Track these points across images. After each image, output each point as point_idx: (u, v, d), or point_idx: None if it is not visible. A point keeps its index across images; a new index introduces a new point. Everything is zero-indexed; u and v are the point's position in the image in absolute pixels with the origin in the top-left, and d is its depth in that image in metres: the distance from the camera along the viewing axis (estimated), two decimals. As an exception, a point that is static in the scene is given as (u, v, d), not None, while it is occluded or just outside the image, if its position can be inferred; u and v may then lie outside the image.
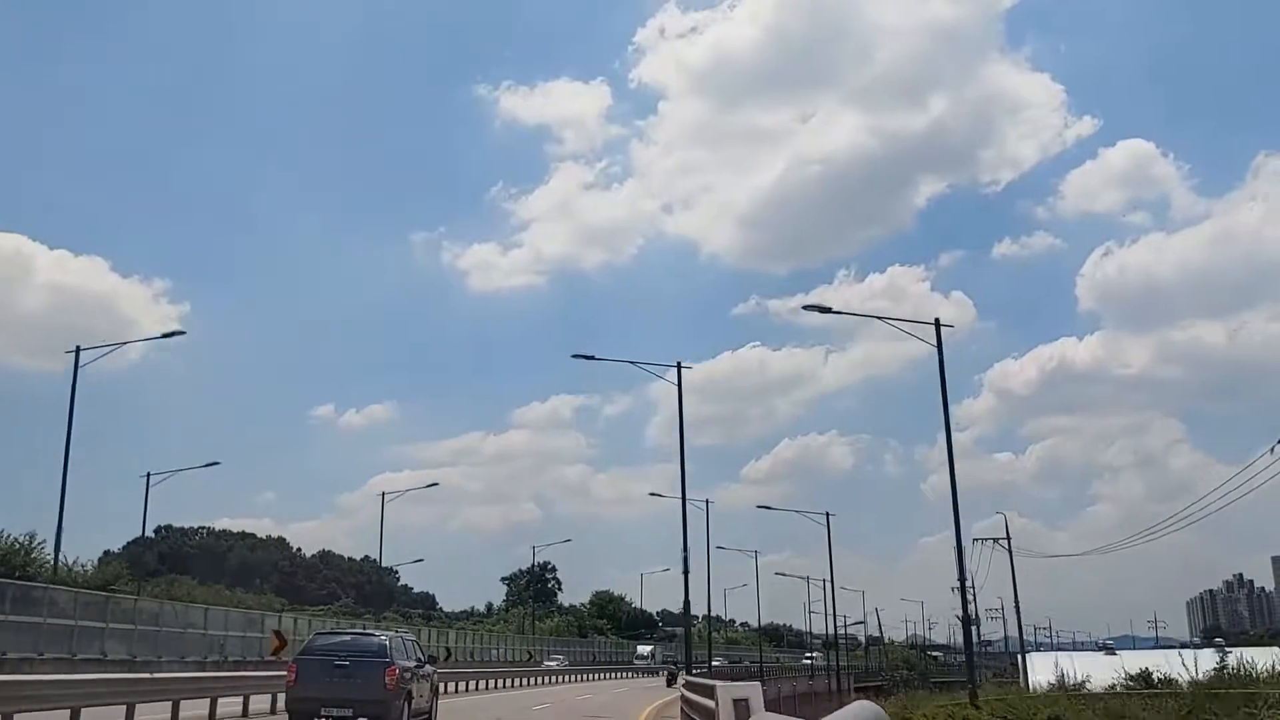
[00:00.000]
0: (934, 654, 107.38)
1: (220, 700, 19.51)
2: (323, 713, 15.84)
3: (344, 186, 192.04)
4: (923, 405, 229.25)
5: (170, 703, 17.68)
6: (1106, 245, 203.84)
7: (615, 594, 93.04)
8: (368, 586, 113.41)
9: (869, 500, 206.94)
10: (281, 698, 18.20)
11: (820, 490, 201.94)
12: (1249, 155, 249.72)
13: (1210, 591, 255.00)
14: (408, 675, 16.66)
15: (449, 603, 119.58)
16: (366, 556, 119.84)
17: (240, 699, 21.01)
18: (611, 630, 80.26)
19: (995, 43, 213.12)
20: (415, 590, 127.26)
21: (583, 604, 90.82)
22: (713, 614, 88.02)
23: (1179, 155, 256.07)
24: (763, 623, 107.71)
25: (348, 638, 17.53)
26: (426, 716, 18.05)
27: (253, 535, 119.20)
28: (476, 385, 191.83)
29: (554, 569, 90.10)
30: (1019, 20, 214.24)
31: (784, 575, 76.68)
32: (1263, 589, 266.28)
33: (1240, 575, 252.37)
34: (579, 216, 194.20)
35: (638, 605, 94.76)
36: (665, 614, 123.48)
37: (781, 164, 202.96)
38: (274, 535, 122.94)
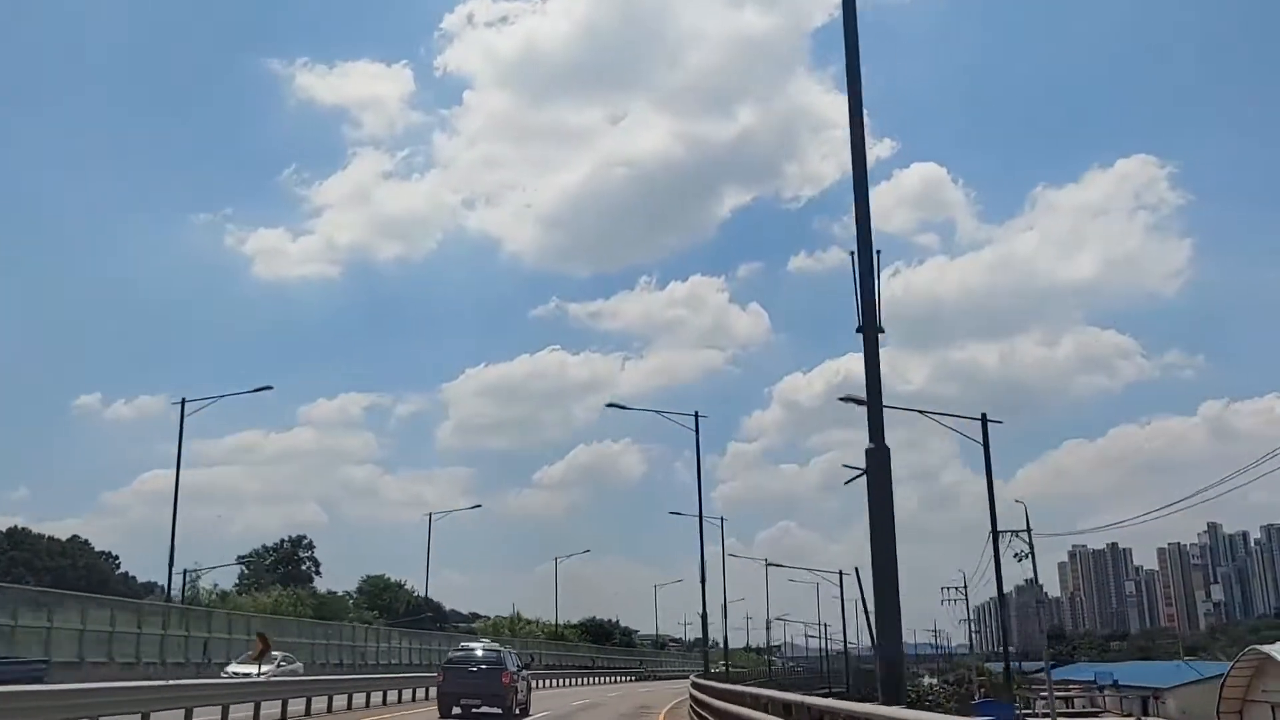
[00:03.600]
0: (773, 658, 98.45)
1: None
2: (461, 701, 22.77)
3: (118, 157, 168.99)
4: (716, 415, 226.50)
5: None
6: (895, 265, 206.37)
7: (392, 580, 73.26)
8: (72, 571, 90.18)
9: (658, 507, 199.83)
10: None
11: (611, 497, 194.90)
12: (1029, 186, 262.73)
13: (1005, 595, 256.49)
14: (515, 676, 24.01)
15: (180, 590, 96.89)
16: (75, 536, 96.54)
17: None
18: (384, 622, 60.47)
19: (803, 59, 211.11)
20: (140, 580, 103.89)
21: (347, 592, 70.98)
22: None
23: (967, 181, 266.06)
24: (578, 620, 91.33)
25: (472, 652, 24.99)
26: (525, 704, 24.97)
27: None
28: (259, 379, 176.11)
29: (310, 545, 69.14)
30: (826, 39, 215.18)
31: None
32: (1042, 587, 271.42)
33: (1030, 579, 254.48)
34: (376, 206, 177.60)
35: (421, 594, 75.38)
36: (455, 613, 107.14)
37: (588, 165, 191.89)
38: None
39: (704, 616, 30.96)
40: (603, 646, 74.23)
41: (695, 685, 26.22)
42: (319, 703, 23.75)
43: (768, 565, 71.00)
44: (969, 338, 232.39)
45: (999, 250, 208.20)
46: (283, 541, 68.25)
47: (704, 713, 18.93)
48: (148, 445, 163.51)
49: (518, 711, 23.88)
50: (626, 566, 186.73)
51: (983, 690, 45.52)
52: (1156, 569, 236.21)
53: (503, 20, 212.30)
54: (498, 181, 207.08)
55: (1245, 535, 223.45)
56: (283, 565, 67.24)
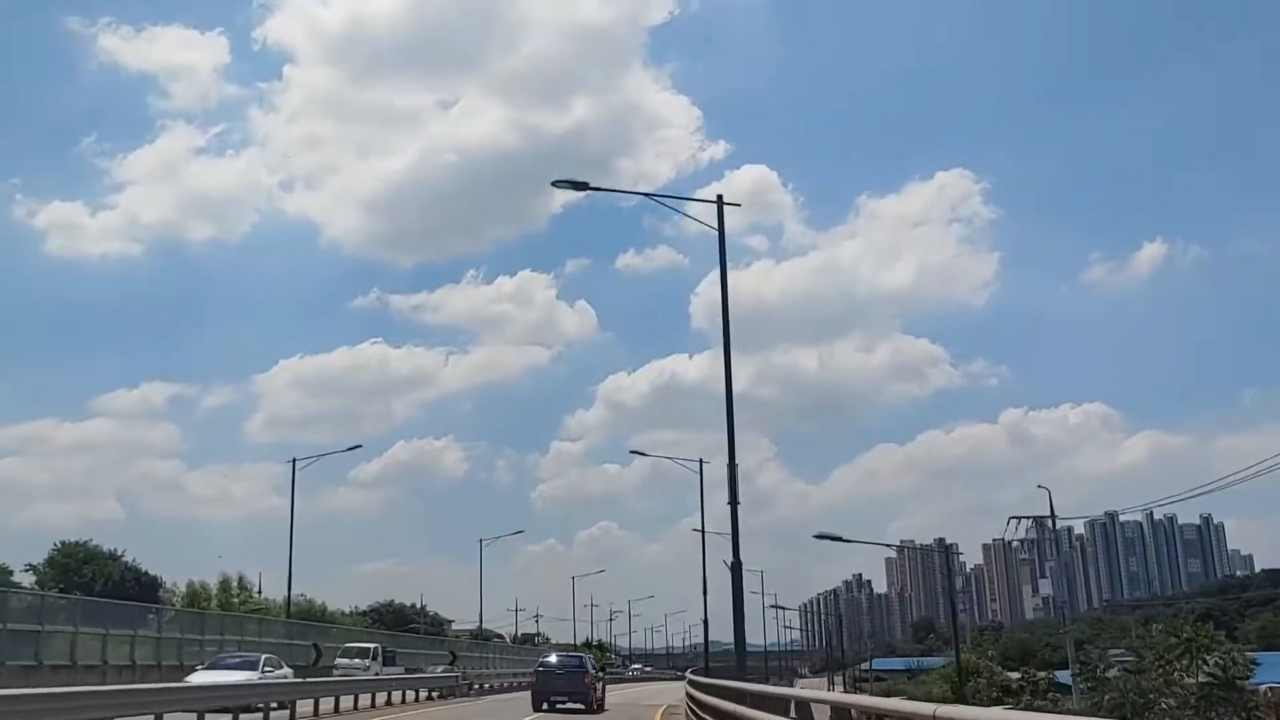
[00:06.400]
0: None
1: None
2: (551, 698, 27.89)
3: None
4: (539, 413, 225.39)
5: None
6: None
7: (99, 549, 54.17)
8: None
9: (479, 507, 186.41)
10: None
11: (430, 496, 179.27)
12: (854, 194, 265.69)
13: (834, 592, 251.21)
14: (595, 677, 30.04)
15: None
16: None
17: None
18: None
19: (640, 54, 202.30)
20: None
21: (32, 564, 51.71)
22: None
23: (797, 186, 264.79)
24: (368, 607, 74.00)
25: (561, 658, 31.62)
26: (601, 700, 30.08)
27: None
28: (51, 364, 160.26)
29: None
30: (664, 37, 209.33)
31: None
32: (871, 583, 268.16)
33: (860, 575, 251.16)
34: (186, 183, 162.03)
35: (152, 572, 56.51)
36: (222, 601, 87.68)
37: (415, 150, 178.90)
38: None
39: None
40: (400, 636, 56.67)
41: None
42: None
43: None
44: (791, 341, 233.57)
45: (823, 256, 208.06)
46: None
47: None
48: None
49: (595, 707, 28.86)
50: (447, 568, 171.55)
51: None
52: (982, 563, 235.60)
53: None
54: (318, 163, 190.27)
55: (1069, 530, 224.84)
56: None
